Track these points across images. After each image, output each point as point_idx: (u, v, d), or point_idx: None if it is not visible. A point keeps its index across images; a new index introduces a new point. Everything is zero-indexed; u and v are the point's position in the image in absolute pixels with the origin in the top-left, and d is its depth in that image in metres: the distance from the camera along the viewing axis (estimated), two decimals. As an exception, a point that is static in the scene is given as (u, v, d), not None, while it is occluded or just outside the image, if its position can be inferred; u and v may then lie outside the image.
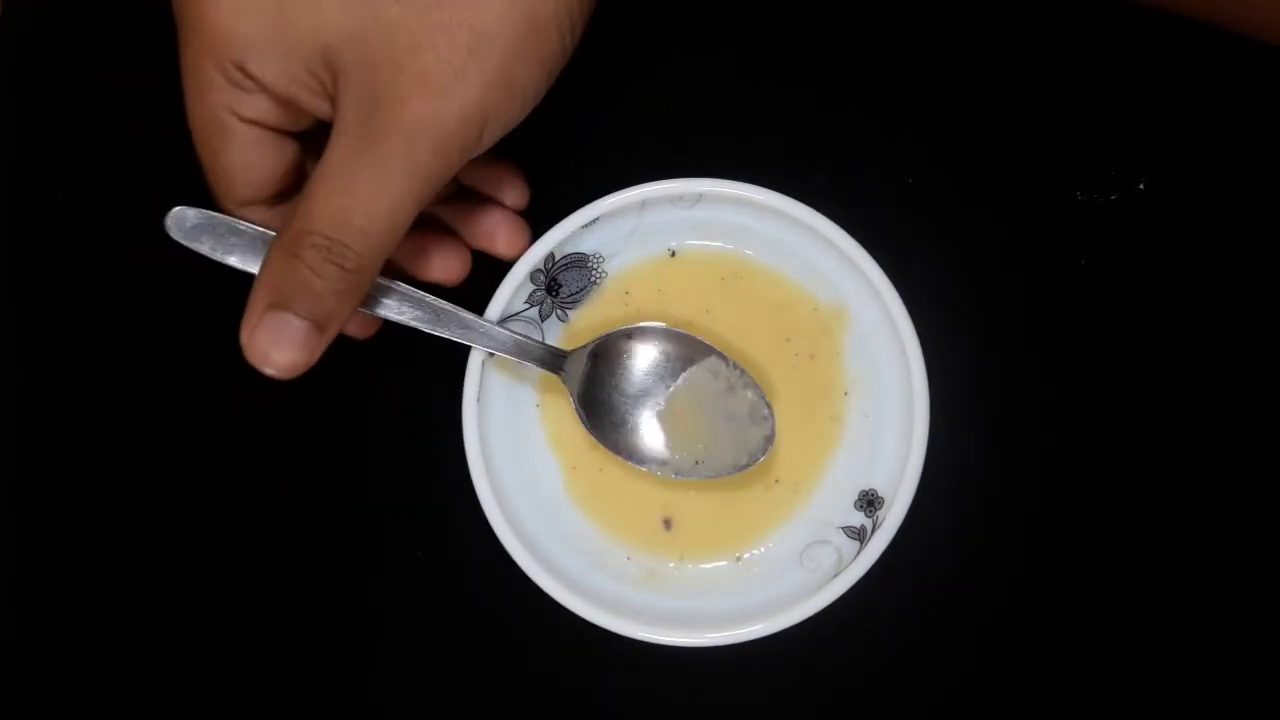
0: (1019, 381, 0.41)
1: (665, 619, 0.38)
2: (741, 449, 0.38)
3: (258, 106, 0.32)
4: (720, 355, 0.38)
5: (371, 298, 0.36)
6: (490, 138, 0.32)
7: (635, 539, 0.40)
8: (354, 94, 0.31)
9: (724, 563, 0.40)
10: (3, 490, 0.41)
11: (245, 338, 0.32)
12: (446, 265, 0.38)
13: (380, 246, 0.32)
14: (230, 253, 0.35)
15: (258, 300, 0.32)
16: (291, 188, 0.35)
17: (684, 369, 0.39)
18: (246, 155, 0.33)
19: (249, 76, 0.31)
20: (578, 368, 0.38)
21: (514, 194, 0.39)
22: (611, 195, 0.37)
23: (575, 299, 0.40)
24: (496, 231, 0.38)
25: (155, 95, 0.41)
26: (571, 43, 0.33)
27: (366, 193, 0.31)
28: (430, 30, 0.30)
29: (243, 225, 0.35)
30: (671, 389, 0.39)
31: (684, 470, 0.39)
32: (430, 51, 0.30)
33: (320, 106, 0.32)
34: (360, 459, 0.41)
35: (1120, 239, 0.41)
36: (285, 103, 0.32)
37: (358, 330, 0.39)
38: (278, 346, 0.32)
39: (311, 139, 0.35)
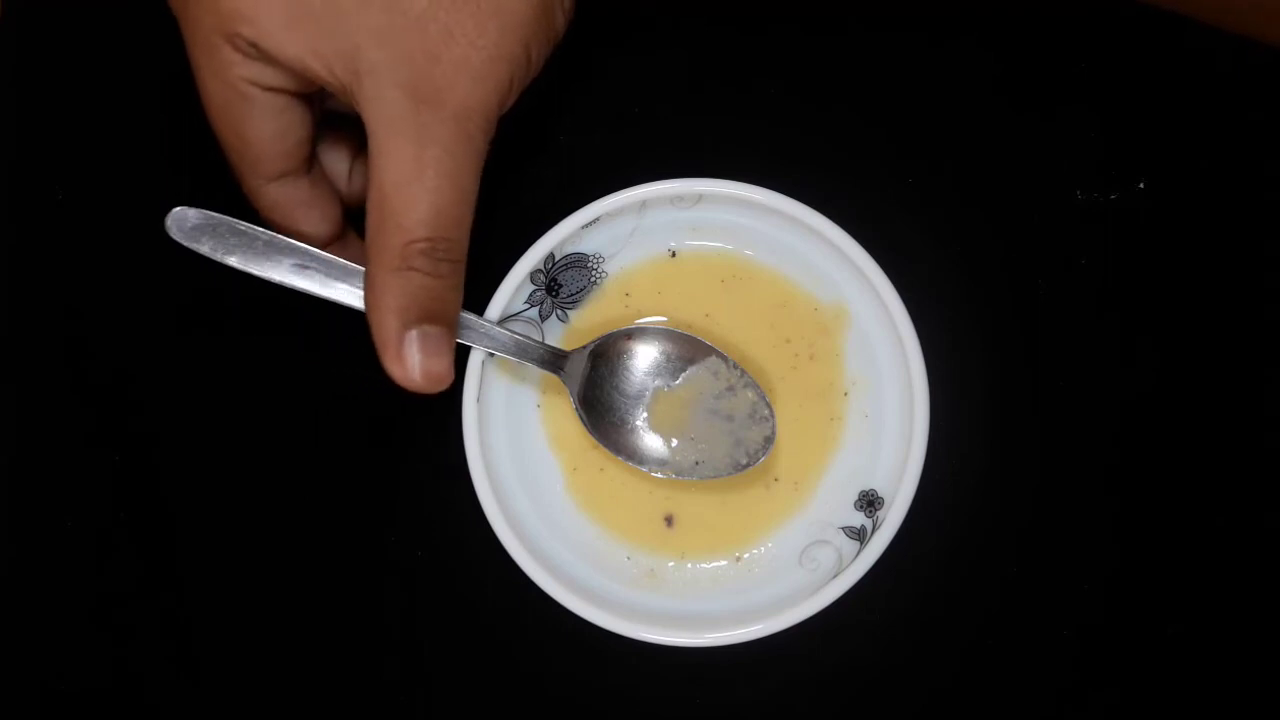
0: (1018, 381, 0.41)
1: (665, 619, 0.38)
2: (741, 449, 0.38)
3: (277, 76, 0.33)
4: (720, 355, 0.38)
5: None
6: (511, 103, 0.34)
7: (635, 539, 0.40)
8: (391, 92, 0.31)
9: (724, 563, 0.40)
10: (3, 491, 0.41)
11: (396, 368, 0.33)
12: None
13: (468, 228, 0.33)
14: (230, 253, 0.35)
15: (388, 327, 0.33)
16: (312, 157, 0.36)
17: (684, 369, 0.39)
18: (271, 123, 0.34)
19: (264, 53, 0.32)
20: (578, 368, 0.38)
21: None
22: (612, 195, 0.37)
23: (575, 299, 0.40)
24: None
25: (155, 95, 0.41)
26: (567, 20, 0.35)
27: (446, 185, 0.32)
28: (461, 19, 0.31)
29: (242, 225, 0.35)
30: (672, 389, 0.39)
31: (684, 470, 0.39)
32: (464, 39, 0.32)
33: (330, 82, 0.33)
34: (360, 459, 0.41)
35: (1120, 239, 0.41)
36: (301, 74, 0.33)
37: None
38: (431, 358, 0.33)
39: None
